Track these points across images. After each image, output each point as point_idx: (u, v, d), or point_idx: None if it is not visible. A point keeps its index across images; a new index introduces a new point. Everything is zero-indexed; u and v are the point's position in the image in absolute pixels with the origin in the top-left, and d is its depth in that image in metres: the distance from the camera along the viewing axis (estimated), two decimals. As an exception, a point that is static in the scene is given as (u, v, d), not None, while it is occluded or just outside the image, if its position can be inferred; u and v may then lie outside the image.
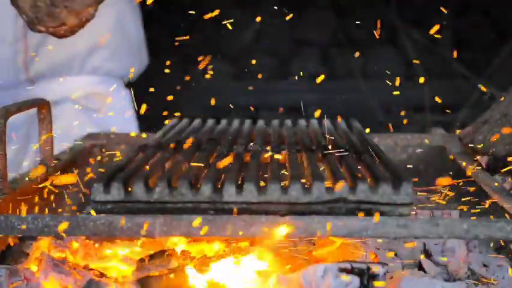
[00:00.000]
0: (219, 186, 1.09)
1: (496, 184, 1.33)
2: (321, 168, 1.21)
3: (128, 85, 2.37)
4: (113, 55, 2.28)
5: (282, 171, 1.18)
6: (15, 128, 1.99)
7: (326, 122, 1.64)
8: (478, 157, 1.46)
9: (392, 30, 2.69)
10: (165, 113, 1.71)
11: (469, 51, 2.95)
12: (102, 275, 1.16)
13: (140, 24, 2.38)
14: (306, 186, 1.08)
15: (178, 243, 1.29)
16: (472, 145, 1.48)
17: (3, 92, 2.12)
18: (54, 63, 2.18)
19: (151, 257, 1.18)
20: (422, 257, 1.26)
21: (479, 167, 1.44)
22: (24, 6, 1.33)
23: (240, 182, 1.11)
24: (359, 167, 1.19)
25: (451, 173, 1.47)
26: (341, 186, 1.06)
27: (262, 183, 1.10)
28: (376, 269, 1.07)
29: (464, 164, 1.48)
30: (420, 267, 1.24)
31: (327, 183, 1.08)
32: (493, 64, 2.90)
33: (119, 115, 2.21)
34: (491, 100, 1.64)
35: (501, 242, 1.27)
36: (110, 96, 2.25)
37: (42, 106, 1.42)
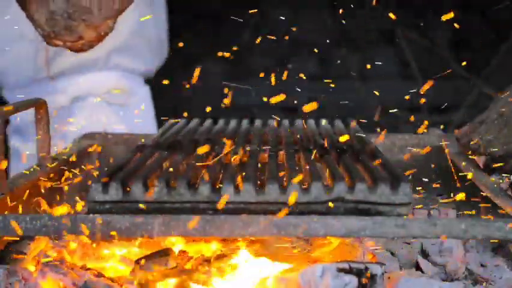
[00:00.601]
0: (217, 186, 1.09)
1: (494, 185, 1.33)
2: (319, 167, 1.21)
3: (147, 82, 2.39)
4: (134, 53, 2.28)
5: (280, 171, 1.18)
6: None
7: (323, 122, 1.65)
8: (475, 157, 1.46)
9: (390, 31, 2.69)
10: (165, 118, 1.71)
11: (466, 52, 2.96)
12: (100, 275, 1.16)
13: (163, 20, 2.37)
14: (304, 186, 1.08)
15: (176, 243, 1.29)
16: (469, 145, 1.49)
17: (23, 89, 2.12)
18: (76, 60, 2.17)
19: (149, 257, 1.18)
20: (419, 257, 1.26)
21: (477, 167, 1.45)
22: (40, 20, 1.29)
23: (238, 182, 1.11)
24: (357, 167, 1.20)
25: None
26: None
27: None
28: (374, 269, 1.07)
29: (463, 164, 1.48)
30: (417, 267, 1.25)
31: (326, 183, 1.09)
32: (491, 64, 2.90)
33: (140, 111, 2.23)
34: (488, 100, 1.64)
35: (498, 242, 1.27)
36: (131, 92, 2.26)
37: (40, 106, 1.42)
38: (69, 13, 1.28)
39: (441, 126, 1.89)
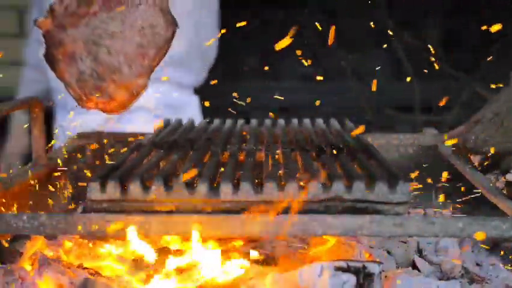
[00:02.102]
0: (215, 185, 1.09)
1: (490, 184, 1.34)
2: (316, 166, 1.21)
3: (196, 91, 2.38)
4: (188, 65, 2.27)
5: (278, 171, 1.18)
6: None
7: (319, 121, 1.65)
8: (471, 156, 1.46)
9: (382, 31, 2.70)
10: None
11: (458, 52, 2.97)
12: (97, 274, 1.16)
13: (215, 25, 2.36)
14: (302, 184, 1.08)
15: (172, 243, 1.29)
16: (465, 144, 1.49)
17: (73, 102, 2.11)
18: None
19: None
20: (415, 256, 1.26)
21: (472, 166, 1.45)
22: (71, 82, 1.25)
23: (235, 181, 1.11)
24: (354, 166, 1.20)
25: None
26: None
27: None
28: (372, 267, 1.08)
29: (458, 163, 1.49)
30: (414, 266, 1.25)
31: (323, 182, 1.09)
32: (483, 64, 2.91)
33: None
34: (480, 100, 1.65)
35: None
36: (181, 105, 2.26)
37: (35, 105, 1.42)
38: (98, 73, 1.24)
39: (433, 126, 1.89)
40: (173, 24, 1.24)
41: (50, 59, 1.25)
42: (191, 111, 2.28)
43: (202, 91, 2.38)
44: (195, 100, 2.37)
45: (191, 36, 2.26)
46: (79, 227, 1.05)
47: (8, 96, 1.98)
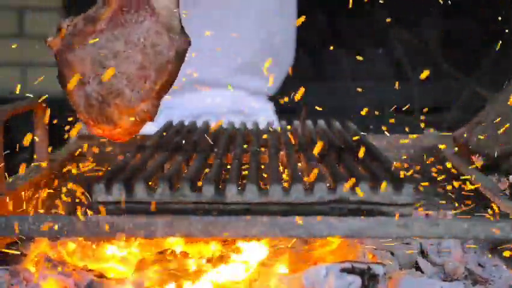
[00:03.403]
0: (221, 187, 1.09)
1: (493, 185, 1.34)
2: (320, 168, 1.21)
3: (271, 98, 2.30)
4: (260, 71, 2.10)
5: (282, 172, 1.19)
6: None
7: (320, 122, 1.65)
8: (473, 157, 1.47)
9: (382, 31, 2.70)
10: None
11: (458, 52, 2.97)
12: (102, 276, 1.16)
13: (292, 28, 2.26)
14: (307, 186, 1.09)
15: (175, 244, 1.29)
16: (467, 145, 1.49)
17: None
18: (195, 77, 2.04)
19: (151, 257, 1.18)
20: (418, 257, 1.26)
21: (474, 168, 1.45)
22: (80, 104, 1.19)
23: (240, 183, 1.11)
24: (358, 168, 1.20)
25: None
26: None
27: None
28: (376, 269, 1.08)
29: (460, 164, 1.49)
30: (417, 268, 1.25)
31: (329, 184, 1.09)
32: (483, 65, 2.92)
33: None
34: (480, 100, 1.65)
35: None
36: (253, 113, 2.17)
37: (38, 107, 1.42)
38: (102, 96, 1.18)
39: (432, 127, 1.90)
40: (180, 43, 1.18)
41: (62, 80, 1.21)
42: (266, 118, 2.10)
43: (276, 97, 2.27)
44: (268, 107, 2.28)
45: (262, 40, 2.17)
46: (85, 229, 1.05)
47: (8, 97, 1.97)
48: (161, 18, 1.17)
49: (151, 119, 1.21)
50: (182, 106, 2.09)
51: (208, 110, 2.11)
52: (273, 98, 2.29)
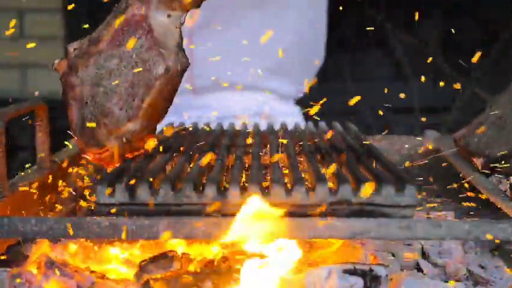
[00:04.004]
0: (223, 188, 1.09)
1: (493, 186, 1.34)
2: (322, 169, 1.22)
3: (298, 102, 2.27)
4: (287, 74, 2.14)
5: (284, 174, 1.19)
6: None
7: (321, 124, 1.65)
8: (473, 159, 1.47)
9: (381, 32, 2.71)
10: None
11: (457, 53, 2.97)
12: (104, 277, 1.16)
13: (323, 28, 2.22)
14: (309, 188, 1.09)
15: (177, 245, 1.29)
16: (467, 147, 1.50)
17: None
18: (218, 77, 2.04)
19: (153, 259, 1.18)
20: (420, 258, 1.27)
21: (475, 169, 1.46)
22: (75, 129, 1.20)
23: (242, 184, 1.11)
24: (360, 169, 1.20)
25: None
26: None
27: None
28: (378, 270, 1.08)
29: (461, 166, 1.49)
30: (418, 269, 1.25)
31: (331, 185, 1.09)
32: (482, 66, 2.92)
33: None
34: (480, 101, 1.65)
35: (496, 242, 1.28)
36: (280, 116, 2.08)
37: (40, 108, 1.42)
38: (95, 117, 1.17)
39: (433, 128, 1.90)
40: (174, 61, 1.17)
41: (65, 103, 1.21)
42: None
43: (304, 101, 2.23)
44: (295, 112, 2.24)
45: (292, 44, 2.13)
46: (87, 231, 1.06)
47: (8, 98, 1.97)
48: (155, 34, 1.17)
49: (139, 144, 1.21)
50: (208, 108, 2.08)
51: (233, 111, 2.09)
52: (301, 102, 2.26)
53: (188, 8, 1.19)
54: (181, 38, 1.19)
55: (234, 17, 2.00)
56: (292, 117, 2.14)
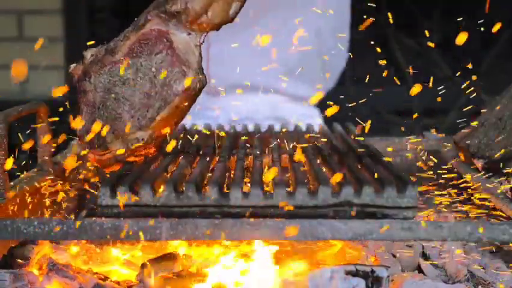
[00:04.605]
0: (226, 190, 1.10)
1: (493, 187, 1.35)
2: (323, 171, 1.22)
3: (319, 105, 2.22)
4: (305, 75, 2.01)
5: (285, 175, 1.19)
6: None
7: (323, 126, 1.65)
8: (474, 160, 1.47)
9: (381, 34, 2.71)
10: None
11: (457, 54, 2.98)
12: (106, 278, 1.16)
13: (345, 27, 2.18)
14: (311, 190, 1.09)
15: (179, 247, 1.30)
16: (468, 148, 1.50)
17: None
18: (238, 79, 2.02)
19: (155, 260, 1.19)
20: (420, 259, 1.27)
21: (475, 170, 1.46)
22: (85, 130, 1.23)
23: (244, 186, 1.11)
24: (361, 171, 1.20)
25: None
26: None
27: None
28: (380, 271, 1.08)
29: (461, 167, 1.50)
30: (419, 270, 1.26)
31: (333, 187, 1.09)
32: (482, 67, 2.93)
33: None
34: (479, 103, 1.65)
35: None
36: (298, 118, 2.03)
37: (41, 110, 1.42)
38: (104, 120, 1.20)
39: (433, 130, 1.90)
40: (195, 80, 1.19)
41: (78, 108, 1.24)
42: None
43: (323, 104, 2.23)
44: (314, 114, 2.20)
45: (314, 48, 2.07)
46: (91, 233, 1.06)
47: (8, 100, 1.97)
48: (177, 51, 1.19)
49: (142, 153, 1.23)
50: (226, 110, 2.07)
51: (243, 114, 2.08)
52: (320, 105, 2.21)
53: (208, 30, 1.22)
54: (201, 57, 1.21)
55: (252, 18, 1.99)
56: (311, 120, 2.09)
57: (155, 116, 1.20)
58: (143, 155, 1.24)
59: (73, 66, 1.25)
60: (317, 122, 2.12)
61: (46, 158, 1.44)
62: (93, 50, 1.24)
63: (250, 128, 1.68)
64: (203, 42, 1.22)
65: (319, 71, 2.15)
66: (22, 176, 1.39)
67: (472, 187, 1.39)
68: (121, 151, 1.21)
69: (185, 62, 1.19)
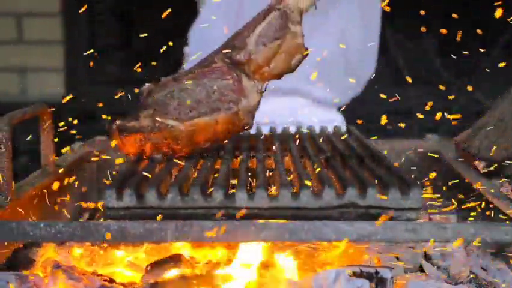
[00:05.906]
0: (231, 192, 1.10)
1: (494, 189, 1.35)
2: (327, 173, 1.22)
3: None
4: (327, 80, 2.02)
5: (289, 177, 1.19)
6: None
7: (324, 127, 1.66)
8: (475, 162, 1.48)
9: (381, 36, 2.71)
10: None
11: (456, 57, 2.98)
12: (111, 280, 1.17)
13: (375, 32, 2.14)
14: (316, 191, 1.10)
15: (182, 249, 1.30)
16: (469, 150, 1.50)
17: None
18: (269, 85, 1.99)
19: (159, 262, 1.19)
20: (423, 260, 1.27)
21: (476, 172, 1.46)
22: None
23: (249, 188, 1.12)
24: (365, 172, 1.21)
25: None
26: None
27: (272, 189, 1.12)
28: (384, 272, 1.09)
29: (462, 169, 1.50)
30: (421, 271, 1.26)
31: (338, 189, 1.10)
32: (481, 70, 2.93)
33: None
34: (478, 105, 1.66)
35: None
36: (318, 123, 1.98)
37: (44, 112, 1.42)
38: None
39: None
40: (243, 114, 1.26)
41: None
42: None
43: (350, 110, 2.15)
44: (339, 120, 2.17)
45: (340, 53, 2.08)
46: (97, 235, 1.06)
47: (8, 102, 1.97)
48: (243, 86, 1.26)
49: (163, 150, 1.28)
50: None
51: (269, 117, 2.05)
52: (344, 109, 2.20)
53: (269, 79, 1.28)
54: (259, 104, 1.28)
55: None
56: (334, 123, 2.01)
57: (195, 117, 1.25)
58: (165, 152, 1.29)
59: (145, 86, 1.31)
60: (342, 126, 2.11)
61: (49, 159, 1.44)
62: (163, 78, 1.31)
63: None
64: (265, 90, 1.28)
65: (344, 76, 2.12)
66: (27, 178, 1.39)
67: (473, 189, 1.40)
68: (146, 122, 1.27)
69: (246, 96, 1.25)
